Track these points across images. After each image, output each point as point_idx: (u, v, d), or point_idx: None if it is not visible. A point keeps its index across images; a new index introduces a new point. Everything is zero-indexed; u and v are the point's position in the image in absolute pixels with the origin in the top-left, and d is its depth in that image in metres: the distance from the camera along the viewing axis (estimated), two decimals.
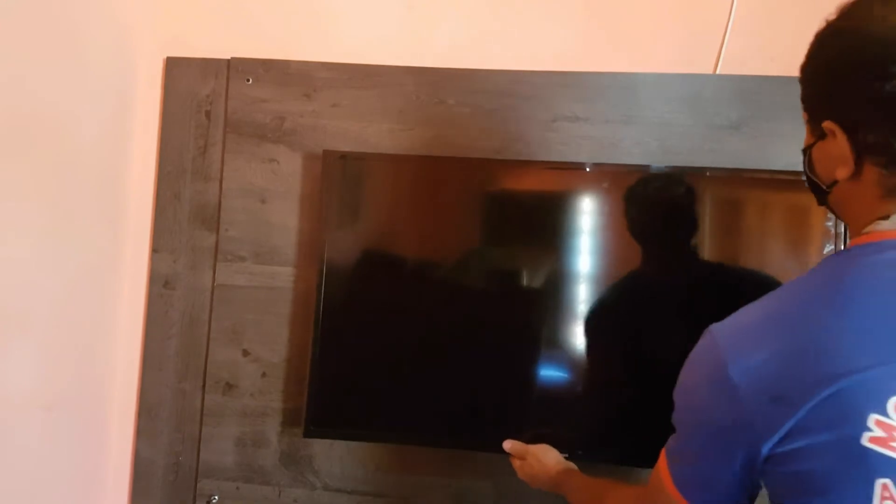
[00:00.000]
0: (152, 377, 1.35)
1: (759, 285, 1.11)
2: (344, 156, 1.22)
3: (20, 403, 1.11)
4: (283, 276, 1.30)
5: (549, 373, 1.20)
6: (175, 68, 1.35)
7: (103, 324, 1.32)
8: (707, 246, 1.18)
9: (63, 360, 1.21)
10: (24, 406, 1.12)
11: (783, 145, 1.22)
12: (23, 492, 1.13)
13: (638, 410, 1.15)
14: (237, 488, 1.31)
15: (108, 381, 1.34)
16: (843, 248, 1.10)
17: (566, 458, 1.07)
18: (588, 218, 1.20)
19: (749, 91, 1.24)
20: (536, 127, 1.28)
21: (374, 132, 1.30)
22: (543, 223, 1.21)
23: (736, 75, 1.25)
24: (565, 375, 1.20)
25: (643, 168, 1.21)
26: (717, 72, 1.26)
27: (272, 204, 1.31)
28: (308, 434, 1.22)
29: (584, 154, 1.26)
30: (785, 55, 1.23)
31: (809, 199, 0.71)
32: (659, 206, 1.20)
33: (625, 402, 1.18)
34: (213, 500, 1.31)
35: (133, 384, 1.35)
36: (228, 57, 1.33)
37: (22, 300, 1.10)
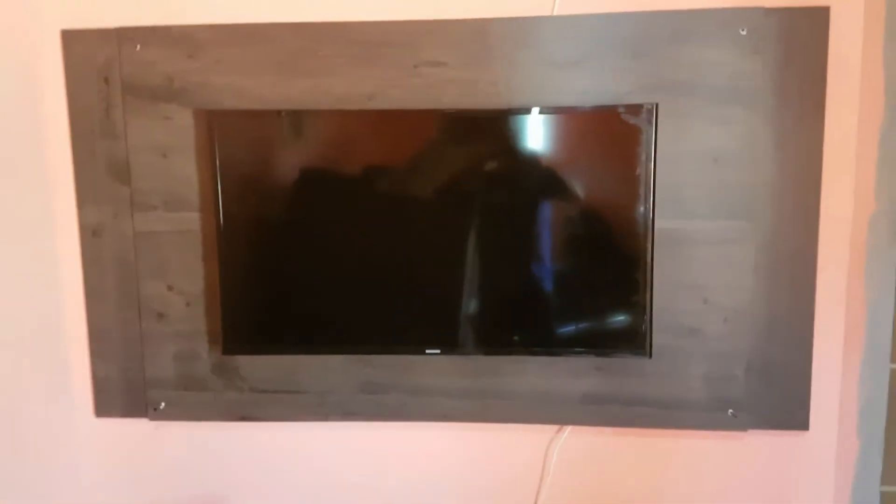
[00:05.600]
0: (96, 310, 1.58)
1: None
2: (211, 113, 1.41)
3: None
4: (192, 220, 1.50)
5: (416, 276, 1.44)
6: (72, 39, 1.47)
7: (46, 270, 1.54)
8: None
9: (15, 303, 1.45)
10: None
11: (611, 78, 1.38)
12: (3, 416, 1.40)
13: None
14: (180, 395, 1.59)
15: (58, 316, 1.58)
16: (653, 165, 1.32)
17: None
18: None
19: (584, 28, 1.38)
20: (404, 73, 1.42)
21: (256, 85, 1.44)
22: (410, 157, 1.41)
23: (570, 15, 1.38)
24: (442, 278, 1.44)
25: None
26: (554, 13, 1.40)
27: (173, 157, 1.48)
28: (226, 352, 1.49)
29: (446, 96, 1.42)
30: None
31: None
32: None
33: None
34: (161, 406, 1.60)
35: (82, 317, 1.58)
36: (117, 26, 1.45)
37: None
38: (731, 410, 1.46)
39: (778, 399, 1.46)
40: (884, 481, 1.43)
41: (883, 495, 1.43)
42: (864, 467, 1.45)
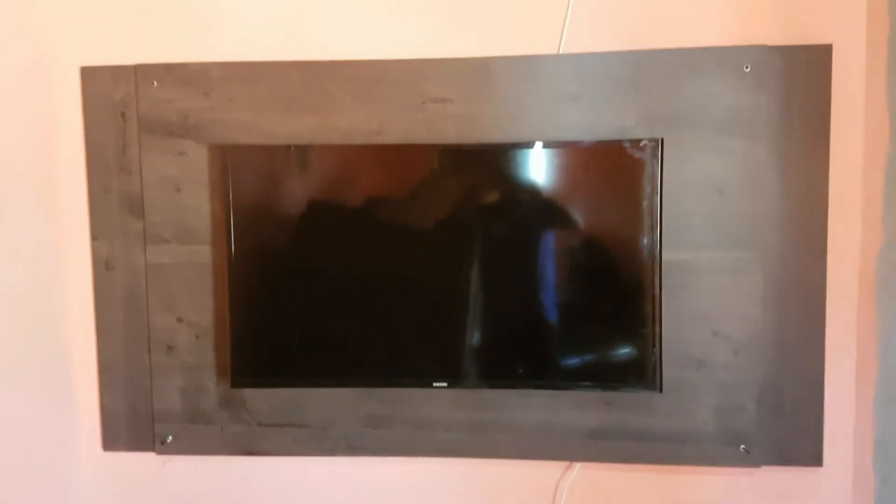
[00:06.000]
0: (106, 342, 1.59)
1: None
2: (224, 148, 1.45)
3: None
4: (203, 253, 1.52)
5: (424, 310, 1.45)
6: (89, 76, 1.52)
7: (58, 303, 1.56)
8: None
9: (25, 335, 1.46)
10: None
11: (615, 113, 1.41)
12: (11, 448, 1.41)
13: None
14: (186, 429, 1.58)
15: (68, 349, 1.59)
16: (659, 198, 1.33)
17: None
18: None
19: (587, 65, 1.41)
20: (409, 108, 1.46)
21: (267, 121, 1.48)
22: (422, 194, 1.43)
23: (573, 54, 1.42)
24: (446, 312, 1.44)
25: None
26: (560, 51, 1.43)
27: (186, 191, 1.51)
28: (235, 385, 1.49)
29: (451, 131, 1.45)
30: (619, 33, 1.41)
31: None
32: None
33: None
34: (168, 440, 1.59)
35: (92, 350, 1.60)
36: (135, 63, 1.50)
37: None
38: (742, 446, 1.44)
39: (790, 432, 1.44)
40: None
41: None
42: (882, 500, 1.41)
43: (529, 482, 1.54)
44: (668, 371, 1.41)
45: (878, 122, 1.36)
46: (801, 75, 1.37)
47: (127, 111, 1.52)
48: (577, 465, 1.52)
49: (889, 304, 1.38)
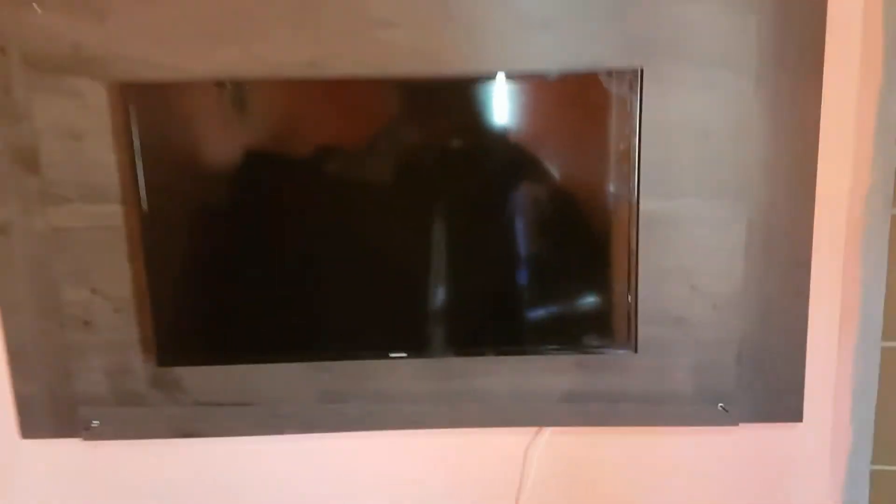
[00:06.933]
0: (12, 320, 1.37)
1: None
2: (125, 86, 1.20)
3: None
4: (113, 213, 1.30)
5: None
6: None
7: None
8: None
9: None
10: None
11: (589, 42, 1.23)
12: None
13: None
14: (114, 412, 1.41)
15: None
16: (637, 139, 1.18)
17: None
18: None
19: None
20: (349, 36, 1.24)
21: (175, 53, 1.24)
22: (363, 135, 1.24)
23: None
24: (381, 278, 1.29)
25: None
26: None
27: (87, 140, 1.27)
28: (161, 364, 1.31)
29: (399, 64, 1.25)
30: None
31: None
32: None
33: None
34: (94, 424, 1.42)
35: None
36: None
37: None
38: (721, 404, 1.36)
39: (770, 389, 1.37)
40: (875, 460, 1.36)
41: (874, 473, 1.36)
42: (857, 449, 1.38)
43: (499, 451, 1.44)
44: (644, 329, 1.30)
45: (874, 52, 1.23)
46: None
47: (6, 44, 1.25)
48: (548, 430, 1.43)
49: (874, 250, 1.29)
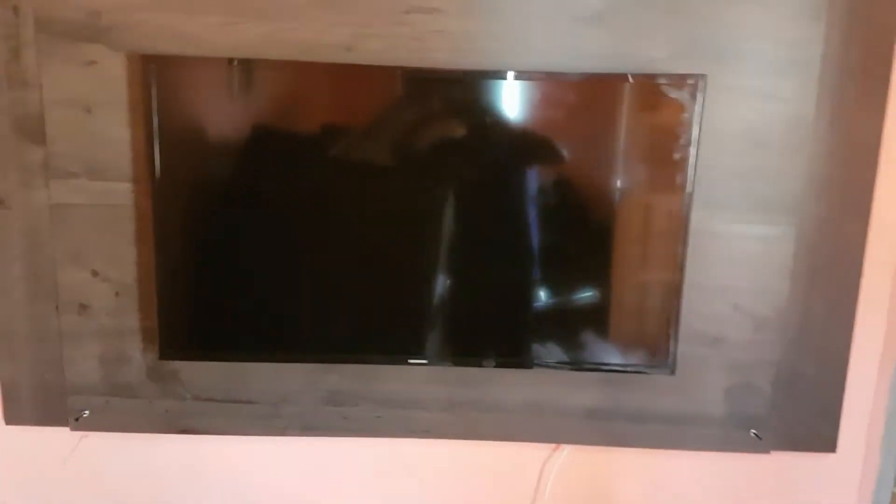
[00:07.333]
0: (3, 300, 1.29)
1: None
2: (148, 58, 1.12)
3: None
4: (122, 192, 1.22)
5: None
6: None
7: None
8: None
9: None
10: None
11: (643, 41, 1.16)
12: None
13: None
14: (107, 402, 1.32)
15: None
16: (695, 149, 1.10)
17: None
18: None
19: None
20: (387, 19, 1.16)
21: (202, 26, 1.16)
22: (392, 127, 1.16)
23: None
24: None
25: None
26: None
27: (98, 113, 1.19)
28: (164, 356, 1.23)
29: (438, 52, 1.17)
30: None
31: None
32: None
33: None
34: (84, 415, 1.33)
35: None
36: None
37: None
38: (753, 430, 1.29)
39: (805, 417, 1.30)
40: None
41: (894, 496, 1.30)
42: (883, 478, 1.32)
43: (515, 467, 1.37)
44: (680, 347, 1.23)
45: None
46: (864, 6, 1.15)
47: (20, 5, 1.16)
48: (566, 448, 1.35)
49: None
